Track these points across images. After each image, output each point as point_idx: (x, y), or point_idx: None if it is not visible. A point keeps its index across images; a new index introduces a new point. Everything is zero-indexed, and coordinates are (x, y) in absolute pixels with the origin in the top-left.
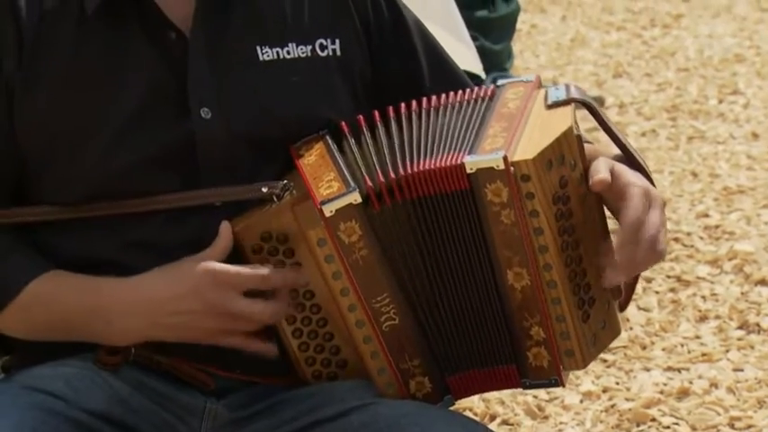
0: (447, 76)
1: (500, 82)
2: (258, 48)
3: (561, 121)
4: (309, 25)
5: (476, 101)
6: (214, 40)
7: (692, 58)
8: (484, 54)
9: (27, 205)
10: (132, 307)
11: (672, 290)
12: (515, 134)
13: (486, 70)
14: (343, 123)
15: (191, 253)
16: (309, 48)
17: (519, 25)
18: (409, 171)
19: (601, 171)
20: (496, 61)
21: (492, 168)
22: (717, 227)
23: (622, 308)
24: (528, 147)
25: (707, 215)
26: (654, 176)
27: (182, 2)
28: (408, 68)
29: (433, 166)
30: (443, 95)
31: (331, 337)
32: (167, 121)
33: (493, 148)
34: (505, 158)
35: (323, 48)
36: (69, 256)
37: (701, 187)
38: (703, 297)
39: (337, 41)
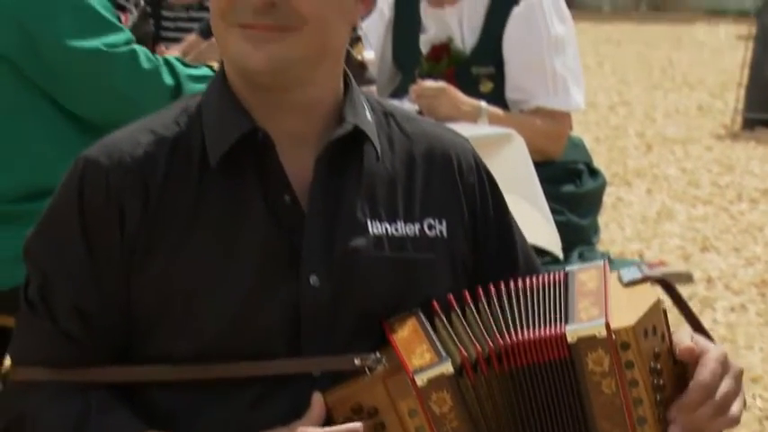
0: (534, 272)
1: (568, 268)
2: (369, 222)
3: (647, 294)
4: (420, 205)
5: (553, 284)
6: (329, 211)
7: None
8: (570, 228)
9: (129, 359)
10: None
11: None
12: (606, 306)
13: (573, 244)
14: (435, 302)
15: (283, 423)
16: (418, 227)
17: (604, 198)
18: (508, 341)
19: (687, 341)
20: (583, 236)
21: (593, 336)
22: None
23: None
24: (623, 317)
25: None
26: (743, 352)
27: (302, 166)
28: (506, 260)
29: (532, 336)
30: (520, 279)
31: None
32: (277, 285)
33: (590, 317)
34: (607, 326)
35: (431, 228)
36: (166, 410)
37: None
38: None
39: (444, 223)
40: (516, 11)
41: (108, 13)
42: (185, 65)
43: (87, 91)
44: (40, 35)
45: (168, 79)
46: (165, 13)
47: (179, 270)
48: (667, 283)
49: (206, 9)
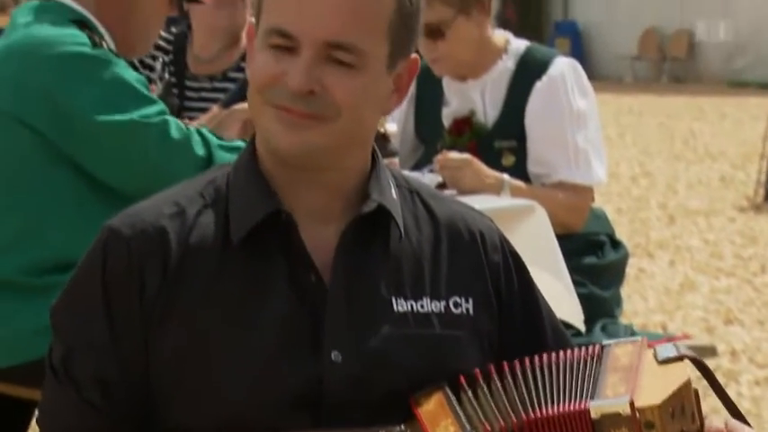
0: (564, 345)
1: (606, 342)
2: (394, 299)
3: (678, 373)
4: (445, 283)
5: (586, 359)
6: (352, 289)
7: None
8: (593, 301)
9: (151, 430)
10: None
11: None
12: (635, 384)
13: (595, 317)
14: (462, 377)
15: None
16: (443, 304)
17: (626, 269)
18: (532, 416)
19: (717, 423)
20: (606, 308)
21: (618, 413)
22: None
23: None
24: (650, 395)
25: None
26: None
27: (327, 243)
28: (533, 336)
29: (555, 411)
30: (554, 354)
31: None
32: (298, 361)
33: (616, 393)
34: (631, 403)
35: (456, 305)
36: None
37: None
38: None
39: (470, 301)
40: (538, 85)
41: (142, 87)
42: (217, 136)
43: (119, 162)
44: (73, 109)
45: (199, 150)
46: (189, 83)
47: (196, 340)
48: (703, 364)
49: (230, 80)
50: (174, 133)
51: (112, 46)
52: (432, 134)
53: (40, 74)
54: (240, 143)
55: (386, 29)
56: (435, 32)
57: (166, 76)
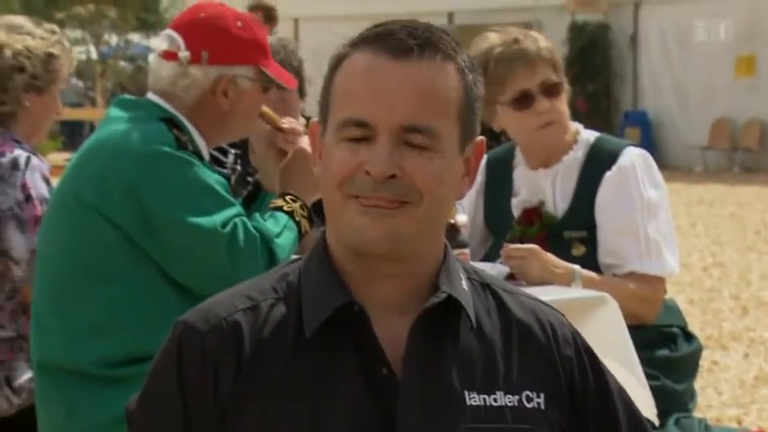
0: None
1: None
2: (466, 392)
3: None
4: (518, 377)
5: None
6: (425, 383)
7: None
8: (666, 394)
9: None
10: None
11: None
12: None
13: (669, 411)
14: None
15: None
16: (516, 398)
17: (700, 361)
18: None
19: None
20: (679, 401)
21: None
22: None
23: None
24: None
25: None
26: None
27: (398, 334)
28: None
29: None
30: None
31: None
32: None
33: None
34: None
35: (529, 400)
36: None
37: None
38: None
39: (542, 396)
40: (609, 175)
41: (222, 189)
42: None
43: (189, 263)
44: (153, 208)
45: (262, 259)
46: (250, 179)
47: (268, 429)
48: None
49: None
50: (242, 243)
51: (199, 145)
52: (501, 224)
53: (123, 171)
54: (287, 220)
55: (456, 112)
56: (553, 90)
57: (238, 167)
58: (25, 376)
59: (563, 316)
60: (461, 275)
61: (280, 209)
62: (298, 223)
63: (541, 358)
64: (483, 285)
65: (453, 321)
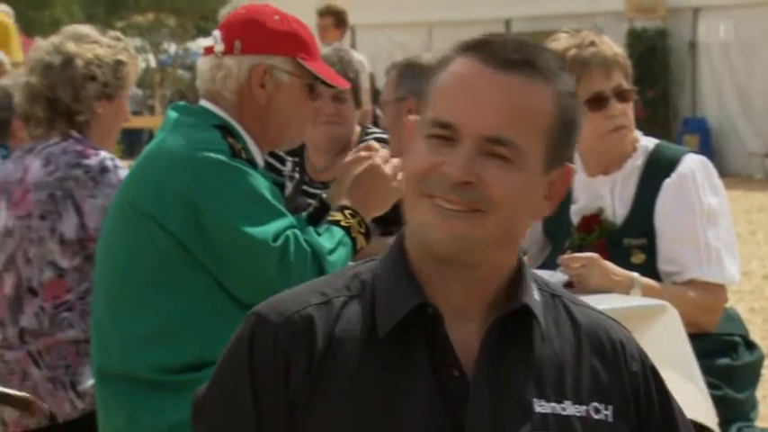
0: None
1: None
2: (535, 400)
3: None
4: (586, 388)
5: None
6: (495, 388)
7: None
8: (727, 403)
9: None
10: None
11: None
12: None
13: (731, 420)
14: None
15: None
16: (584, 409)
17: (762, 371)
18: None
19: None
20: (741, 410)
21: None
22: None
23: None
24: None
25: None
26: None
27: (469, 339)
28: None
29: None
30: None
31: None
32: None
33: None
34: None
35: (597, 411)
36: None
37: None
38: None
39: (610, 408)
40: (668, 182)
41: (274, 199)
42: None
43: (240, 274)
44: (206, 216)
45: (312, 274)
46: (306, 188)
47: (337, 428)
48: None
49: None
50: (293, 257)
51: (253, 151)
52: (560, 232)
53: (178, 179)
54: (343, 236)
55: (545, 131)
56: (626, 96)
57: (296, 175)
58: (90, 381)
59: (629, 332)
60: (533, 286)
61: (337, 223)
62: (353, 239)
63: (610, 372)
64: (553, 296)
65: (525, 330)
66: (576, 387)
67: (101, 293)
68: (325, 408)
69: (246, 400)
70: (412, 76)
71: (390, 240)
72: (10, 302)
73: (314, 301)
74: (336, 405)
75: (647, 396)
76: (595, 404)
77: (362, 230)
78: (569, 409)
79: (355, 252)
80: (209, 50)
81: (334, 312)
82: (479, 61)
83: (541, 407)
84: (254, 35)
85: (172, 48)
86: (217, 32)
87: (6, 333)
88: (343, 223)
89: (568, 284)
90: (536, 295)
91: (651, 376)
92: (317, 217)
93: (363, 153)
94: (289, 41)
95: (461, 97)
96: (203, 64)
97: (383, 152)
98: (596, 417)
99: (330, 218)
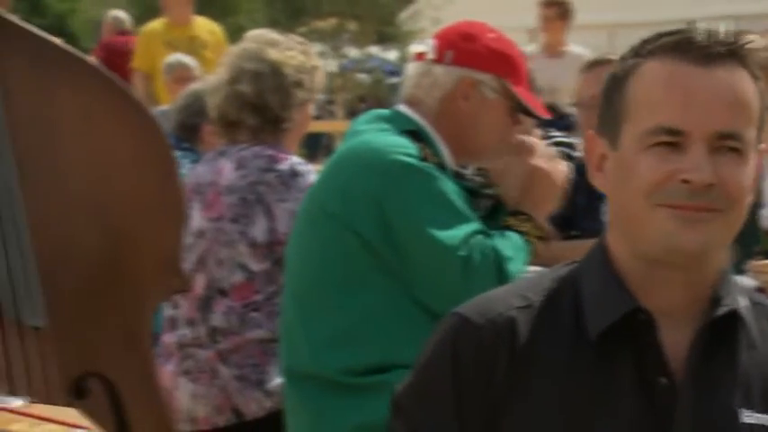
0: None
1: None
2: (742, 410)
3: None
4: None
5: None
6: (702, 397)
7: None
8: None
9: None
10: None
11: None
12: None
13: None
14: None
15: None
16: None
17: None
18: None
19: None
20: None
21: None
22: None
23: None
24: None
25: None
26: None
27: (677, 346)
28: None
29: None
30: None
31: None
32: None
33: None
34: None
35: None
36: None
37: None
38: None
39: None
40: None
41: (463, 203)
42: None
43: (424, 276)
44: (396, 218)
45: (493, 279)
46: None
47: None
48: None
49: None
50: (478, 262)
51: (445, 158)
52: (748, 236)
53: (367, 181)
54: (522, 242)
55: (755, 118)
56: None
57: (478, 179)
58: (276, 380)
59: None
60: (737, 289)
61: (514, 229)
62: (530, 244)
63: None
64: (755, 303)
65: (730, 336)
66: None
67: (290, 295)
68: (526, 412)
69: (448, 398)
70: None
71: (577, 245)
72: (200, 302)
73: (516, 304)
74: (537, 409)
75: None
76: None
77: (538, 234)
78: None
79: (532, 257)
80: (420, 56)
81: (537, 316)
82: (682, 60)
83: (748, 417)
84: (466, 48)
85: (352, 52)
86: (431, 40)
87: (197, 332)
88: (520, 228)
89: (760, 290)
90: (741, 300)
91: None
92: (493, 213)
93: (524, 152)
94: (500, 61)
95: (681, 101)
96: (412, 69)
97: (544, 149)
98: None
99: (505, 222)
